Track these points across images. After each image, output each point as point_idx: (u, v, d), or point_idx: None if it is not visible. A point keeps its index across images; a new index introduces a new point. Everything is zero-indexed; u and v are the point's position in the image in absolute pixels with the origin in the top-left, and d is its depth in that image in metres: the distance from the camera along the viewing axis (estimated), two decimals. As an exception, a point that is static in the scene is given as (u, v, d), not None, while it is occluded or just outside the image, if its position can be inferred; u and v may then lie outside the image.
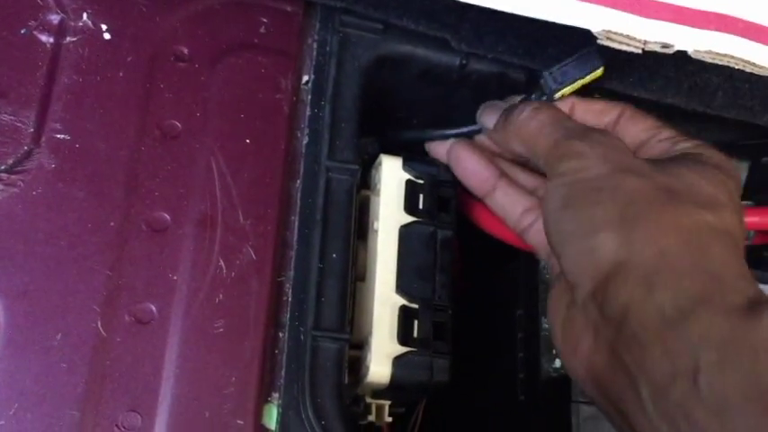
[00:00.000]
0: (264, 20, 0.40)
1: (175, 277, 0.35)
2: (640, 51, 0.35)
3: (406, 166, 0.41)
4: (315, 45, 0.41)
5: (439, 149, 0.43)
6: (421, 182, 0.41)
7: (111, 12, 0.38)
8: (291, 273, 0.37)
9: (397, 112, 0.43)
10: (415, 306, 0.38)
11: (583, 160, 0.33)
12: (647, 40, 0.35)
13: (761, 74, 0.37)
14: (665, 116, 0.38)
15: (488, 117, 0.40)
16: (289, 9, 0.41)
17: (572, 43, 0.39)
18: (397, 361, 0.37)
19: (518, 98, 0.41)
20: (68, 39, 0.37)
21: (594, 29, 0.35)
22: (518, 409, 0.45)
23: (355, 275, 0.40)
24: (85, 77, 0.37)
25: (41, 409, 0.31)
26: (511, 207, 0.41)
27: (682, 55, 0.36)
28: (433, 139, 0.43)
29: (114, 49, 0.37)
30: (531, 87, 0.40)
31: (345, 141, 0.40)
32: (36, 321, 0.33)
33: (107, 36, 0.37)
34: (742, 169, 0.49)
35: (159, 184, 0.36)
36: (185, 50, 0.39)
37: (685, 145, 0.36)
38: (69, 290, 0.33)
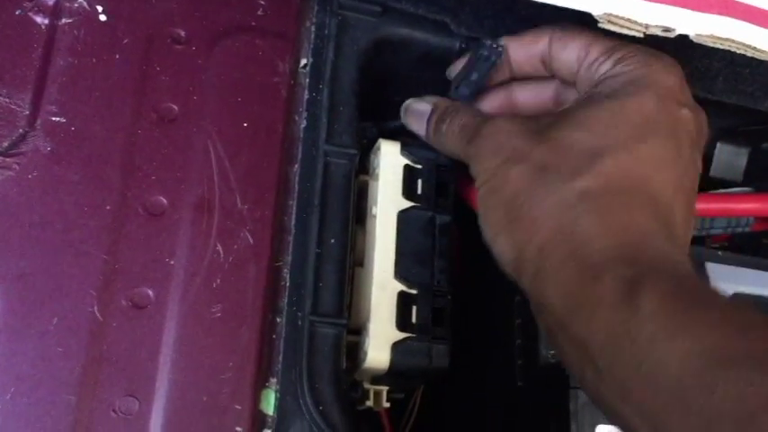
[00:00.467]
0: (262, 2, 0.40)
1: (172, 262, 0.34)
2: (642, 35, 0.35)
3: (405, 150, 0.40)
4: (313, 28, 0.41)
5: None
6: (419, 167, 0.40)
7: (107, -7, 0.37)
8: (289, 258, 0.37)
9: (396, 96, 0.42)
10: (414, 291, 0.38)
11: (479, 162, 0.34)
12: (649, 23, 0.35)
13: (762, 58, 0.37)
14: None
15: (414, 123, 0.41)
16: (286, -9, 0.40)
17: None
18: (396, 347, 0.37)
19: (461, 62, 0.41)
20: (64, 20, 0.36)
21: (595, 12, 0.34)
22: (516, 395, 0.45)
23: (353, 261, 0.39)
24: (81, 59, 0.36)
25: (38, 393, 0.31)
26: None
27: (683, 39, 0.35)
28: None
29: (110, 30, 0.37)
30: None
31: (344, 125, 0.39)
32: (32, 305, 0.32)
33: (103, 18, 0.37)
34: (742, 155, 0.49)
35: (156, 168, 0.36)
36: (182, 33, 0.38)
37: (607, 65, 0.35)
38: (65, 274, 0.33)
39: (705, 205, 0.46)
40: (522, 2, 0.35)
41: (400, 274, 0.38)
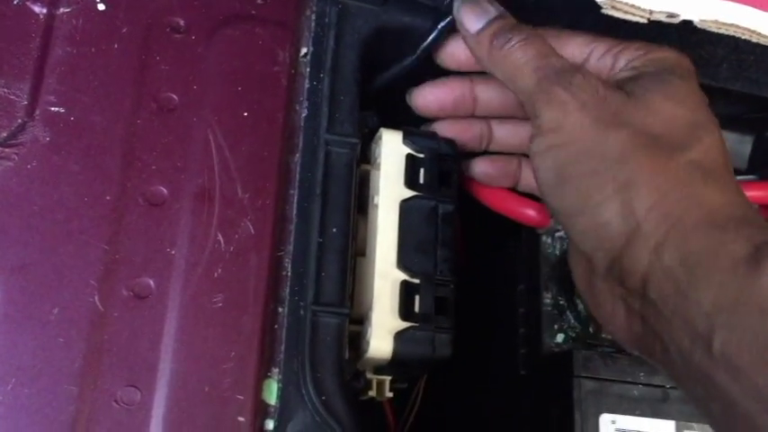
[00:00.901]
0: (262, -10, 0.39)
1: (173, 252, 0.34)
2: (645, 21, 0.35)
3: (407, 139, 0.40)
4: (313, 16, 0.40)
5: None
6: (422, 156, 0.40)
7: (105, -18, 0.37)
8: (291, 247, 0.37)
9: (398, 85, 0.42)
10: (417, 281, 0.38)
11: (565, 112, 0.32)
12: (653, 9, 0.35)
13: (767, 43, 0.36)
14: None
15: (470, 18, 0.37)
16: (286, -21, 0.40)
17: (575, 13, 0.39)
18: (399, 336, 0.37)
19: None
20: (62, 9, 0.36)
21: (599, -2, 0.34)
22: (519, 385, 0.45)
23: (355, 250, 0.39)
24: (80, 49, 0.36)
25: (39, 384, 0.31)
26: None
27: (687, 25, 0.35)
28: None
29: (109, 19, 0.37)
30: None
31: (345, 114, 0.39)
32: (32, 296, 0.32)
33: (101, 6, 0.37)
34: (746, 143, 0.48)
35: (156, 158, 0.35)
36: (181, 22, 0.38)
37: (627, 56, 0.35)
38: (66, 264, 0.33)
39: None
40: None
41: (403, 263, 0.38)
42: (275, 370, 0.35)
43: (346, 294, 0.37)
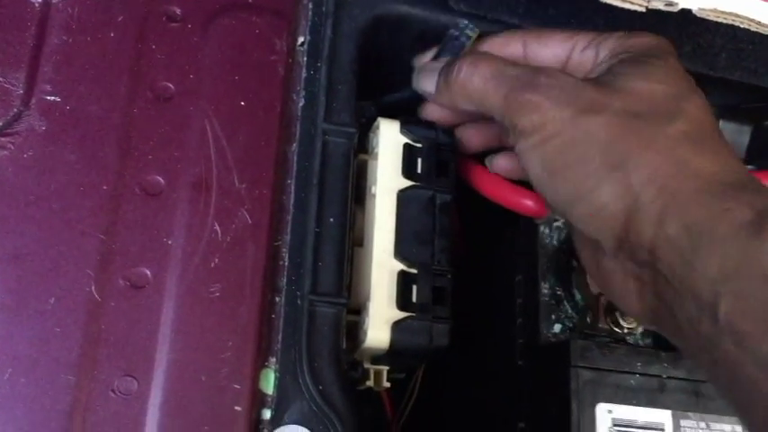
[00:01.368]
0: (258, -21, 0.39)
1: (170, 241, 0.34)
2: (644, 10, 0.35)
3: (404, 129, 0.40)
4: (310, 5, 0.40)
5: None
6: (419, 145, 0.40)
7: (101, -30, 0.37)
8: (288, 237, 0.36)
9: (395, 75, 0.42)
10: (414, 271, 0.38)
11: (541, 112, 0.32)
12: (651, -3, 0.35)
13: (766, 33, 0.36)
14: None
15: (426, 81, 0.39)
16: (283, -32, 0.40)
17: (573, 2, 0.38)
18: (396, 326, 0.37)
19: (430, 54, 0.40)
20: (57, -2, 0.36)
21: (597, -14, 0.34)
22: (517, 375, 0.45)
23: (353, 240, 0.39)
24: (76, 37, 0.36)
25: (35, 373, 0.31)
26: None
27: (685, 14, 0.35)
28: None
29: (105, 8, 0.36)
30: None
31: (342, 104, 0.39)
32: (29, 285, 0.32)
33: (97, -5, 0.37)
34: (744, 133, 0.48)
35: (153, 147, 0.35)
36: (177, 10, 0.38)
37: (609, 46, 0.35)
38: (62, 254, 0.33)
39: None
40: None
41: (400, 253, 0.38)
42: (272, 359, 0.35)
43: (343, 284, 0.37)
